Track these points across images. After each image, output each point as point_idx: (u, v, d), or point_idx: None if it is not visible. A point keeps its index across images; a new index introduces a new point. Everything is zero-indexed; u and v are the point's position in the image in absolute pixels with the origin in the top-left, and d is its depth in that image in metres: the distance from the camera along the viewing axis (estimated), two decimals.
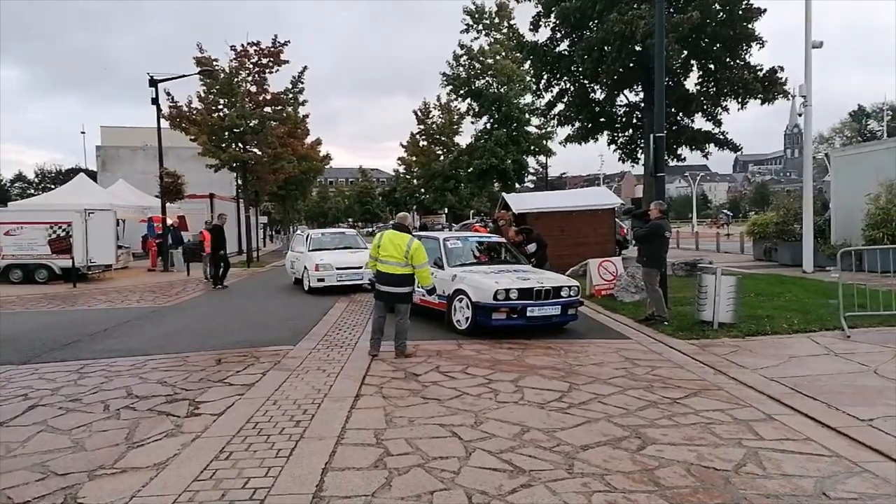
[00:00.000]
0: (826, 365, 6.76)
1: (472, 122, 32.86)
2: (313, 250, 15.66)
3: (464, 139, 46.16)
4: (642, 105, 14.35)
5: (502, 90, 31.08)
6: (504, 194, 20.25)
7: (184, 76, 25.41)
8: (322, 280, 14.56)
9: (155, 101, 24.03)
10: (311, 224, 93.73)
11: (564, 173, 75.32)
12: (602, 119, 15.16)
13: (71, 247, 19.43)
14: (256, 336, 9.38)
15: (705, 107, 13.85)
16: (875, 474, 3.89)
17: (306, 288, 15.02)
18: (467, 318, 8.91)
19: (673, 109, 13.88)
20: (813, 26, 14.64)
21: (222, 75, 27.87)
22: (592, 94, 14.93)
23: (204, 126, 27.34)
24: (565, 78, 14.79)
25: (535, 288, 8.72)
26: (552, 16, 14.16)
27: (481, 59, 31.53)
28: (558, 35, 14.34)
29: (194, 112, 27.92)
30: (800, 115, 16.08)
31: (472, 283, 8.89)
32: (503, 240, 11.55)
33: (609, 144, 15.67)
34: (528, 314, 8.62)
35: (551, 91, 15.25)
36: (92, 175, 40.90)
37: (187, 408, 5.69)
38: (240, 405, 5.68)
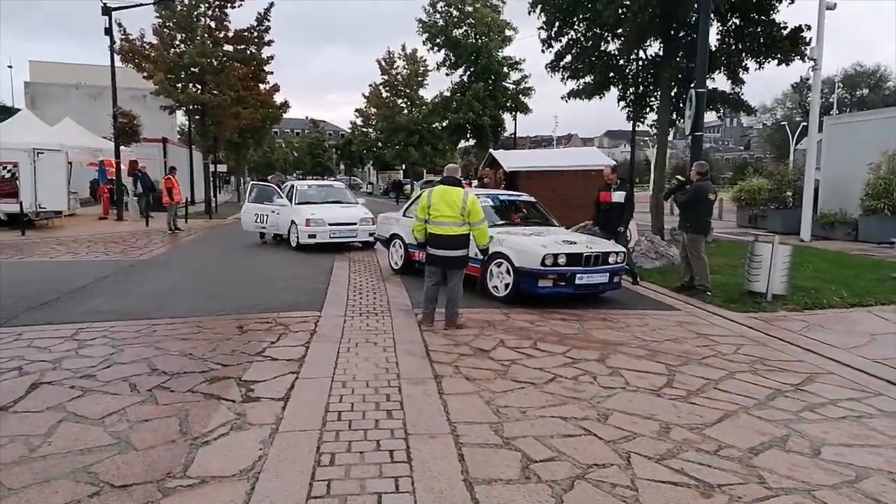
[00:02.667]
0: None
1: (448, 74, 31.47)
2: (300, 203, 14.45)
3: (429, 92, 44.63)
4: (659, 60, 13.60)
5: (481, 41, 29.77)
6: (492, 151, 19.39)
7: (140, 5, 23.06)
8: (314, 236, 13.45)
9: (108, 31, 21.70)
10: (256, 176, 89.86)
11: (511, 134, 74.51)
12: (611, 73, 14.36)
13: (17, 190, 17.53)
14: (267, 299, 8.36)
15: (730, 65, 13.25)
16: None
17: (294, 244, 13.88)
18: (507, 285, 8.14)
19: (691, 65, 13.17)
20: None
21: (179, 7, 25.59)
22: (605, 46, 14.07)
23: (160, 63, 25.11)
24: (578, 27, 13.86)
25: (585, 253, 8.00)
26: None
27: (460, 6, 30.00)
28: None
29: (148, 47, 25.61)
30: (807, 80, 15.72)
31: (515, 247, 8.08)
32: (533, 199, 10.70)
33: (619, 101, 14.93)
34: (577, 282, 7.91)
35: (560, 41, 14.29)
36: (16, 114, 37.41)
37: (238, 389, 4.75)
38: (303, 388, 4.78)
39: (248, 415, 4.25)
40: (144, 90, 30.88)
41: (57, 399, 4.58)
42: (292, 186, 15.61)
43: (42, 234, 16.67)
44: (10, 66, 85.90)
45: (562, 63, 14.61)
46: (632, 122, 16.16)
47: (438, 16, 30.49)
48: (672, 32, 13.05)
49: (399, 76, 45.49)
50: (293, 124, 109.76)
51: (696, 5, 11.64)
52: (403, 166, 52.57)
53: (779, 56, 13.12)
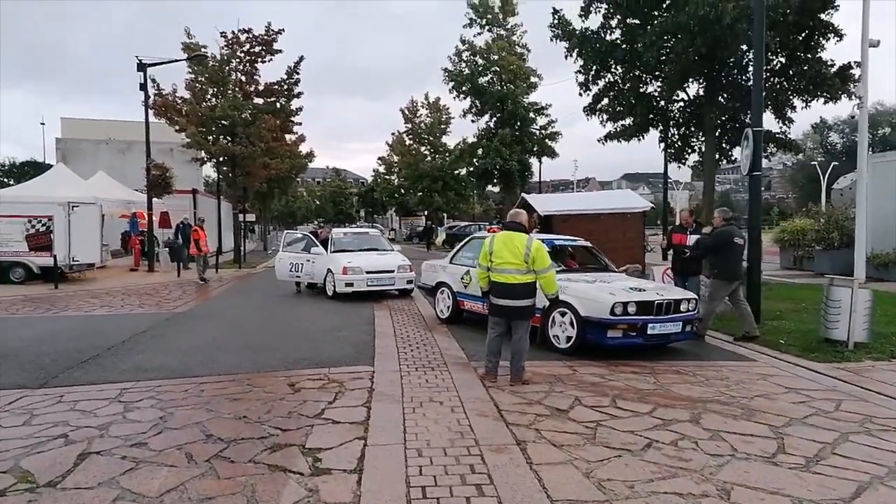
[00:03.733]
0: None
1: (473, 121, 31.56)
2: (336, 251, 14.20)
3: (452, 139, 44.93)
4: (702, 100, 13.31)
5: (506, 88, 29.90)
6: (525, 195, 19.15)
7: (174, 61, 23.58)
8: (350, 285, 13.13)
9: (143, 86, 22.09)
10: (280, 224, 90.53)
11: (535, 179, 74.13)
12: (651, 115, 14.10)
13: (52, 243, 17.53)
14: (314, 353, 7.97)
15: (777, 104, 12.92)
16: None
17: (330, 293, 13.57)
18: (569, 337, 7.64)
19: (737, 105, 12.89)
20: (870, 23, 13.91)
21: (211, 63, 26.13)
22: (643, 88, 13.86)
23: (192, 116, 25.49)
24: (616, 70, 13.69)
25: (656, 301, 7.51)
26: (605, 1, 13.05)
27: (486, 55, 30.27)
28: (613, 22, 13.22)
29: (180, 101, 26.06)
30: (853, 118, 15.35)
31: (580, 295, 7.62)
32: (588, 243, 10.26)
33: (660, 143, 14.66)
34: (649, 331, 7.40)
35: (597, 85, 14.12)
36: (48, 169, 38.07)
37: (304, 459, 4.31)
38: (376, 457, 4.33)
39: (321, 491, 3.81)
40: (172, 143, 31.45)
41: (108, 472, 4.18)
42: (329, 234, 15.40)
43: (75, 287, 16.57)
44: (42, 124, 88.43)
45: (599, 106, 14.38)
46: (671, 163, 15.84)
47: (464, 64, 30.82)
48: (714, 73, 12.80)
49: (422, 124, 46.00)
50: (313, 173, 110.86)
51: (741, 45, 11.41)
52: (426, 212, 52.63)
53: (826, 94, 12.77)
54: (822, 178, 35.59)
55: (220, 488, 3.88)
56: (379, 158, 56.61)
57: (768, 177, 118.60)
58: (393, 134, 49.65)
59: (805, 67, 12.42)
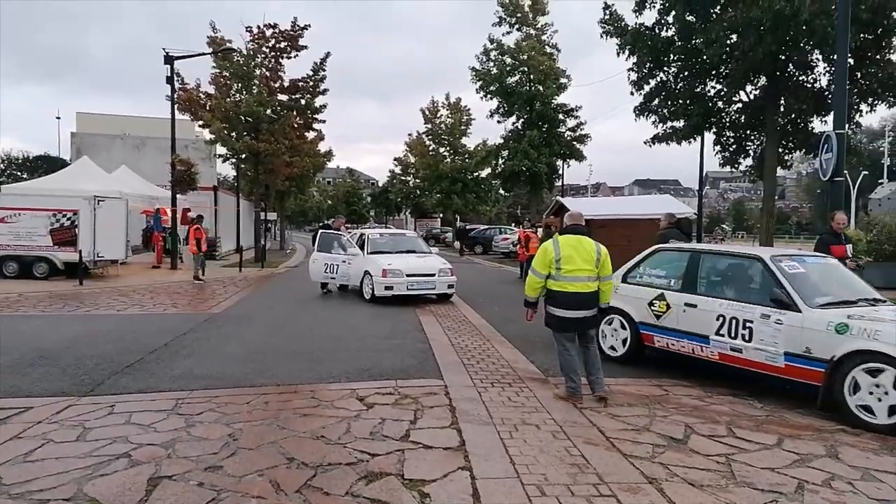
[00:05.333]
0: None
1: (500, 122, 30.93)
2: (373, 253, 13.66)
3: (472, 140, 44.32)
4: (763, 102, 12.66)
5: (534, 89, 29.27)
6: (560, 198, 18.59)
7: (202, 54, 23.16)
8: (390, 288, 12.59)
9: (170, 80, 21.66)
10: (291, 224, 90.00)
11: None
12: (707, 117, 13.46)
13: (76, 238, 17.11)
14: (372, 362, 7.43)
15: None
16: None
17: (367, 296, 13.04)
18: (888, 404, 5.14)
19: (803, 107, 12.28)
20: None
21: (237, 57, 25.74)
22: (699, 88, 13.23)
23: (217, 111, 25.07)
24: (669, 69, 13.09)
25: None
26: None
27: (515, 55, 29.65)
28: (669, 19, 12.61)
29: (204, 96, 25.67)
30: (891, 131, 14.66)
31: None
32: (835, 261, 7.40)
33: (714, 145, 14.03)
34: None
35: (649, 83, 13.53)
36: (63, 164, 37.72)
37: (410, 494, 3.76)
38: (492, 493, 3.76)
39: None
40: (187, 140, 31.06)
41: (188, 503, 3.64)
42: (361, 235, 14.89)
43: (100, 284, 16.13)
44: (58, 118, 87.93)
45: (650, 106, 13.77)
46: (723, 167, 15.19)
47: (492, 64, 30.22)
48: (778, 73, 12.17)
49: (443, 125, 45.42)
50: (325, 173, 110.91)
51: (815, 43, 10.81)
52: (441, 214, 52.02)
53: (892, 97, 12.14)
54: (851, 187, 34.81)
55: None
56: (395, 159, 56.08)
57: (782, 185, 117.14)
58: (410, 135, 49.19)
59: (874, 69, 11.79)
